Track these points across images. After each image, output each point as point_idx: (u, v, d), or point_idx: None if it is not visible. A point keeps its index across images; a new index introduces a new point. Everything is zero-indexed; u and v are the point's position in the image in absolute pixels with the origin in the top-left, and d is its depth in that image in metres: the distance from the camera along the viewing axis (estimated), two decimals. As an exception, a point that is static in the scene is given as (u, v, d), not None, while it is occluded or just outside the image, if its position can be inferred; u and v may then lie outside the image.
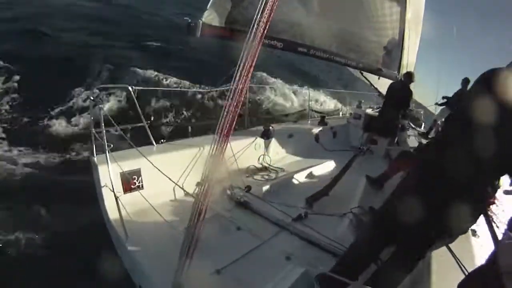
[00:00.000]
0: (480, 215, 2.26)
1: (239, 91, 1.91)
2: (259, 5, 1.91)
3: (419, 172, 2.25)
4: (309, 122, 7.55)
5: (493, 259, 1.86)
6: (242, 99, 1.96)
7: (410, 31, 8.08)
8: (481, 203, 2.09)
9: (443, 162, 1.96)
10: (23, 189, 5.56)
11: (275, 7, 1.98)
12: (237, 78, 1.90)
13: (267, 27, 1.94)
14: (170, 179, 2.89)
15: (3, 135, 7.39)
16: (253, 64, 1.92)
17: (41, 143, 7.35)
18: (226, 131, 1.93)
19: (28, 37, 11.92)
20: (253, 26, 1.90)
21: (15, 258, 4.21)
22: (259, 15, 1.91)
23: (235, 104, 1.92)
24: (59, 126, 8.00)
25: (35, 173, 6.21)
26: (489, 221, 2.89)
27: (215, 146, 1.96)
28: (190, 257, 2.03)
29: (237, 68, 1.90)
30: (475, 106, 1.79)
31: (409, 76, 6.88)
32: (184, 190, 2.94)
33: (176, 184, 3.00)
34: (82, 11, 17.17)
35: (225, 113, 1.92)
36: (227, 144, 1.95)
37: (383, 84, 7.71)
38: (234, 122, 1.94)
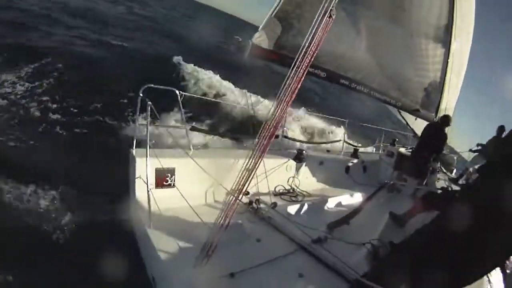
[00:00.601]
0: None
1: (280, 114, 2.03)
2: (308, 35, 2.03)
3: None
4: (342, 153, 7.59)
5: None
6: (281, 122, 2.06)
7: (452, 74, 8.06)
8: None
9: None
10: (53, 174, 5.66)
11: (323, 39, 2.11)
12: (278, 101, 2.03)
13: (313, 57, 2.05)
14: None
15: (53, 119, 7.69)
16: (296, 90, 2.04)
17: (82, 132, 7.69)
18: (261, 149, 2.04)
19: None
20: (300, 53, 2.01)
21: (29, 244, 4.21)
22: (307, 44, 2.02)
23: (273, 125, 2.03)
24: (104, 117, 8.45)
25: (68, 161, 6.35)
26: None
27: (249, 161, 2.05)
28: (209, 256, 2.14)
29: (279, 92, 2.03)
30: None
31: (446, 120, 6.85)
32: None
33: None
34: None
35: (263, 133, 2.03)
36: (260, 161, 2.05)
37: (419, 125, 7.68)
38: (270, 143, 2.06)
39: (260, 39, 4.94)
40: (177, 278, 2.44)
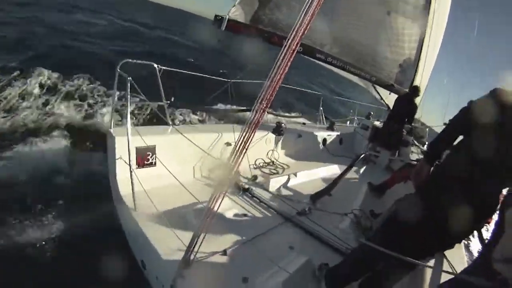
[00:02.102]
0: (482, 224, 2.38)
1: (272, 91, 2.00)
2: (299, 15, 2.00)
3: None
4: (318, 125, 7.78)
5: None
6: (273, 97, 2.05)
7: (427, 54, 8.20)
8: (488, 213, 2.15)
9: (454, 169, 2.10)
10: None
11: (316, 12, 2.08)
12: (272, 77, 1.98)
13: (304, 33, 2.02)
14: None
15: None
16: (288, 66, 2.00)
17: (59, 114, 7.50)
18: (254, 124, 2.03)
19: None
20: (294, 29, 1.97)
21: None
22: (299, 22, 1.97)
23: (266, 101, 2.01)
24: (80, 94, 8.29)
25: (47, 148, 6.26)
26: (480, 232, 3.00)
27: (244, 137, 2.02)
28: (203, 236, 2.10)
29: (274, 66, 1.98)
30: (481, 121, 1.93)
31: (416, 90, 7.07)
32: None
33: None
34: None
35: (256, 108, 2.02)
36: (253, 136, 2.03)
37: (393, 100, 7.82)
38: (262, 117, 2.05)
39: (237, 14, 4.87)
40: (168, 262, 2.40)
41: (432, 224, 2.08)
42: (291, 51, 1.98)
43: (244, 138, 2.01)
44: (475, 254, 3.25)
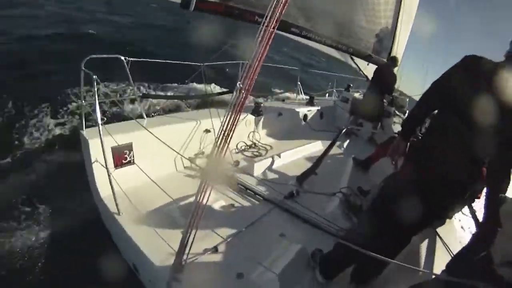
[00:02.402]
0: (471, 201, 2.34)
1: (253, 71, 1.89)
2: None
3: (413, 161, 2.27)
4: (297, 101, 7.77)
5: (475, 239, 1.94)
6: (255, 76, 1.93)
7: (402, 23, 8.15)
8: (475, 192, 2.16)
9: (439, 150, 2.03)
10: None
11: None
12: (252, 59, 1.88)
13: (284, 10, 1.91)
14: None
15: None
16: (267, 47, 1.91)
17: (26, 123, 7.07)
18: (238, 108, 1.91)
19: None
20: (270, 10, 1.87)
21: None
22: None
23: (249, 83, 1.90)
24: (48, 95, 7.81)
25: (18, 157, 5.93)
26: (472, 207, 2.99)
27: (227, 123, 1.91)
28: (194, 234, 2.02)
29: (256, 45, 1.88)
30: (464, 95, 1.88)
31: (394, 60, 7.07)
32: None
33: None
34: None
35: (239, 90, 1.91)
36: (238, 120, 1.92)
37: (371, 71, 7.78)
38: (246, 99, 1.93)
39: (204, -8, 4.67)
40: (160, 265, 2.33)
41: (422, 194, 2.01)
42: (270, 31, 1.86)
43: (228, 123, 1.90)
44: (467, 233, 3.26)
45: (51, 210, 4.47)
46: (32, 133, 6.69)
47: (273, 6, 1.84)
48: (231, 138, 1.92)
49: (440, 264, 2.24)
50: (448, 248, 2.68)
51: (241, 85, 1.89)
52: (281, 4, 1.85)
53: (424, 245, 2.83)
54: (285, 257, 2.54)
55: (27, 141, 6.39)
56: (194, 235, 2.01)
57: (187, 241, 2.02)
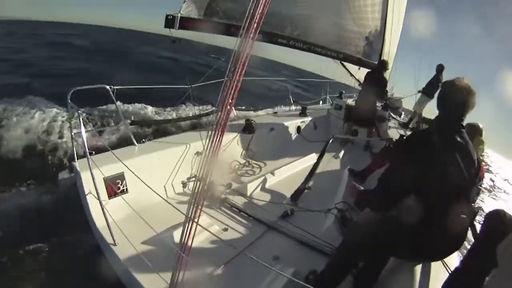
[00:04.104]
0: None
1: (234, 86, 1.90)
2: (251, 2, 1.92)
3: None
4: (289, 110, 7.89)
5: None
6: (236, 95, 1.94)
7: (393, 22, 8.24)
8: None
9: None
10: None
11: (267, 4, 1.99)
12: (232, 73, 1.89)
13: (261, 22, 1.93)
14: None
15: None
16: (247, 59, 1.91)
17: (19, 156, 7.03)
18: (221, 126, 1.92)
19: None
20: (246, 21, 1.87)
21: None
22: (252, 10, 1.86)
23: (231, 98, 1.91)
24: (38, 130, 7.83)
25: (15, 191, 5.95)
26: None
27: (211, 142, 1.92)
28: (186, 262, 2.03)
29: (230, 63, 1.91)
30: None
31: (384, 64, 7.17)
32: (162, 197, 2.95)
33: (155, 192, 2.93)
34: None
35: (222, 108, 1.91)
36: (221, 140, 1.93)
37: (363, 75, 7.86)
38: (228, 118, 1.93)
39: (189, 10, 4.71)
40: None
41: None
42: (248, 42, 1.87)
43: (212, 143, 1.91)
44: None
45: (52, 243, 4.44)
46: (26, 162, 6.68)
47: (249, 17, 1.85)
48: (216, 158, 1.92)
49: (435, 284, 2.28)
50: (447, 266, 2.71)
51: (221, 104, 1.92)
52: (258, 16, 1.89)
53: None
54: (278, 281, 2.59)
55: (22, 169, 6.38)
56: (186, 262, 2.02)
57: (179, 268, 2.03)
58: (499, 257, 1.59)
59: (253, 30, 1.88)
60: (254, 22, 1.87)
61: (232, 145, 5.03)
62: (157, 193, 3.01)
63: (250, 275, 2.69)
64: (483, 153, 3.10)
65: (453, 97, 2.17)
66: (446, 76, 9.39)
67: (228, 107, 1.90)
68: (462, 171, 2.05)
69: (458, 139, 2.12)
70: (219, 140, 1.90)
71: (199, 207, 1.95)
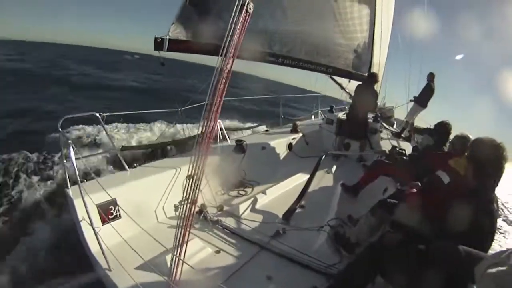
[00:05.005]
0: None
1: (216, 107, 1.99)
2: (230, 23, 2.02)
3: None
4: (281, 128, 7.92)
5: None
6: (218, 116, 2.05)
7: (382, 31, 8.39)
8: None
9: None
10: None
11: (242, 36, 2.07)
12: (211, 93, 1.99)
13: (239, 44, 2.04)
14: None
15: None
16: (228, 78, 2.03)
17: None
18: (203, 149, 2.02)
19: None
20: (226, 41, 1.99)
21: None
22: (231, 31, 2.00)
23: (212, 120, 2.01)
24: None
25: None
26: None
27: (193, 166, 2.03)
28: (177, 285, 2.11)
29: (211, 84, 1.99)
30: None
31: (374, 76, 7.31)
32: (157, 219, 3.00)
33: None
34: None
35: (203, 130, 2.02)
36: (204, 162, 2.03)
37: (353, 87, 7.96)
38: (211, 139, 2.05)
39: (177, 32, 4.77)
40: None
41: None
42: (226, 72, 2.01)
43: (196, 166, 2.03)
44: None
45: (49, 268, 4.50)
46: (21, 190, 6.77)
47: (229, 37, 1.99)
48: (200, 181, 2.06)
49: None
50: None
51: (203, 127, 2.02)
52: (232, 48, 2.00)
53: None
54: None
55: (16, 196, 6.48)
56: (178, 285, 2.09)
57: None
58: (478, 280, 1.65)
59: (233, 49, 2.00)
60: (233, 43, 2.00)
61: (223, 166, 5.01)
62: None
63: None
64: None
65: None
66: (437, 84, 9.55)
67: (209, 130, 2.02)
68: None
69: None
70: (202, 165, 2.02)
71: (188, 229, 2.07)
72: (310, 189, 4.97)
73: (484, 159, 2.27)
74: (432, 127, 5.30)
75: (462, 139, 3.82)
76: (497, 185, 2.28)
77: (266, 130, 8.05)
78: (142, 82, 26.56)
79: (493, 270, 1.51)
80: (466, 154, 3.03)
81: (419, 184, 3.52)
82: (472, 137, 3.98)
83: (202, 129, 2.03)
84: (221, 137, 5.65)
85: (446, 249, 2.09)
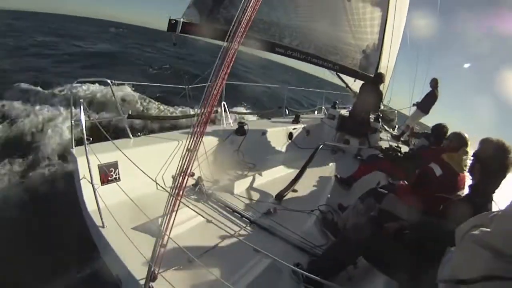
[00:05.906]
0: None
1: (217, 89, 2.10)
2: (241, 5, 2.13)
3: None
4: (283, 118, 8.03)
5: None
6: (218, 97, 2.17)
7: (392, 36, 8.60)
8: None
9: None
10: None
11: (257, 7, 2.20)
12: (214, 76, 2.10)
13: (247, 27, 2.15)
14: (144, 173, 3.08)
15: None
16: (232, 62, 2.12)
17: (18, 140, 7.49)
18: (201, 126, 2.13)
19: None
20: (234, 25, 2.11)
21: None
22: (241, 14, 2.11)
23: (211, 100, 2.12)
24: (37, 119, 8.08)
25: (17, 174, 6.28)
26: None
27: (190, 141, 2.14)
28: (164, 247, 2.26)
29: (215, 65, 2.10)
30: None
31: (379, 77, 7.43)
32: (157, 183, 3.28)
33: (150, 178, 3.17)
34: None
35: (201, 109, 2.14)
36: (201, 139, 2.16)
37: (358, 86, 8.14)
38: (209, 118, 2.17)
39: (191, 15, 5.04)
40: (137, 276, 2.55)
41: None
42: (233, 49, 2.12)
43: (192, 139, 2.13)
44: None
45: (44, 222, 4.81)
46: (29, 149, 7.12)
47: (235, 25, 2.11)
48: (196, 153, 2.18)
49: None
50: None
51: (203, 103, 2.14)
52: (244, 23, 2.12)
53: None
54: (255, 270, 2.86)
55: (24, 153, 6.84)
56: (164, 248, 2.26)
57: (158, 252, 2.26)
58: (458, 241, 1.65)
59: (238, 36, 2.12)
60: (240, 27, 2.12)
61: (223, 145, 5.27)
62: (151, 178, 3.24)
63: (229, 263, 2.94)
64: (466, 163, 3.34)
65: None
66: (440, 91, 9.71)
67: (209, 108, 2.16)
68: None
69: None
70: (199, 138, 2.16)
71: (179, 198, 2.19)
72: (305, 177, 5.13)
73: (489, 158, 2.39)
74: (429, 132, 5.49)
75: (460, 136, 3.88)
76: (498, 186, 2.42)
77: (269, 118, 8.21)
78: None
79: (476, 231, 1.46)
80: (460, 150, 3.33)
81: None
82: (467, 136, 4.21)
83: (202, 108, 2.15)
84: (224, 118, 5.86)
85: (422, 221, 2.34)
